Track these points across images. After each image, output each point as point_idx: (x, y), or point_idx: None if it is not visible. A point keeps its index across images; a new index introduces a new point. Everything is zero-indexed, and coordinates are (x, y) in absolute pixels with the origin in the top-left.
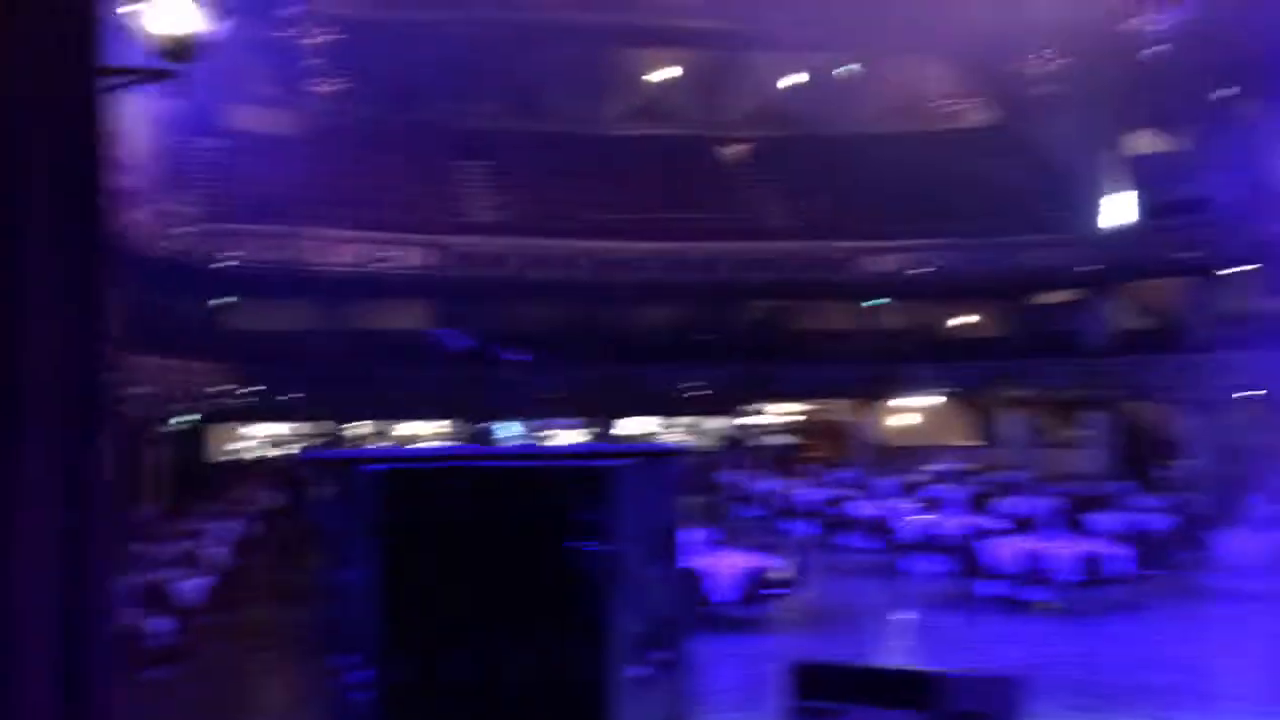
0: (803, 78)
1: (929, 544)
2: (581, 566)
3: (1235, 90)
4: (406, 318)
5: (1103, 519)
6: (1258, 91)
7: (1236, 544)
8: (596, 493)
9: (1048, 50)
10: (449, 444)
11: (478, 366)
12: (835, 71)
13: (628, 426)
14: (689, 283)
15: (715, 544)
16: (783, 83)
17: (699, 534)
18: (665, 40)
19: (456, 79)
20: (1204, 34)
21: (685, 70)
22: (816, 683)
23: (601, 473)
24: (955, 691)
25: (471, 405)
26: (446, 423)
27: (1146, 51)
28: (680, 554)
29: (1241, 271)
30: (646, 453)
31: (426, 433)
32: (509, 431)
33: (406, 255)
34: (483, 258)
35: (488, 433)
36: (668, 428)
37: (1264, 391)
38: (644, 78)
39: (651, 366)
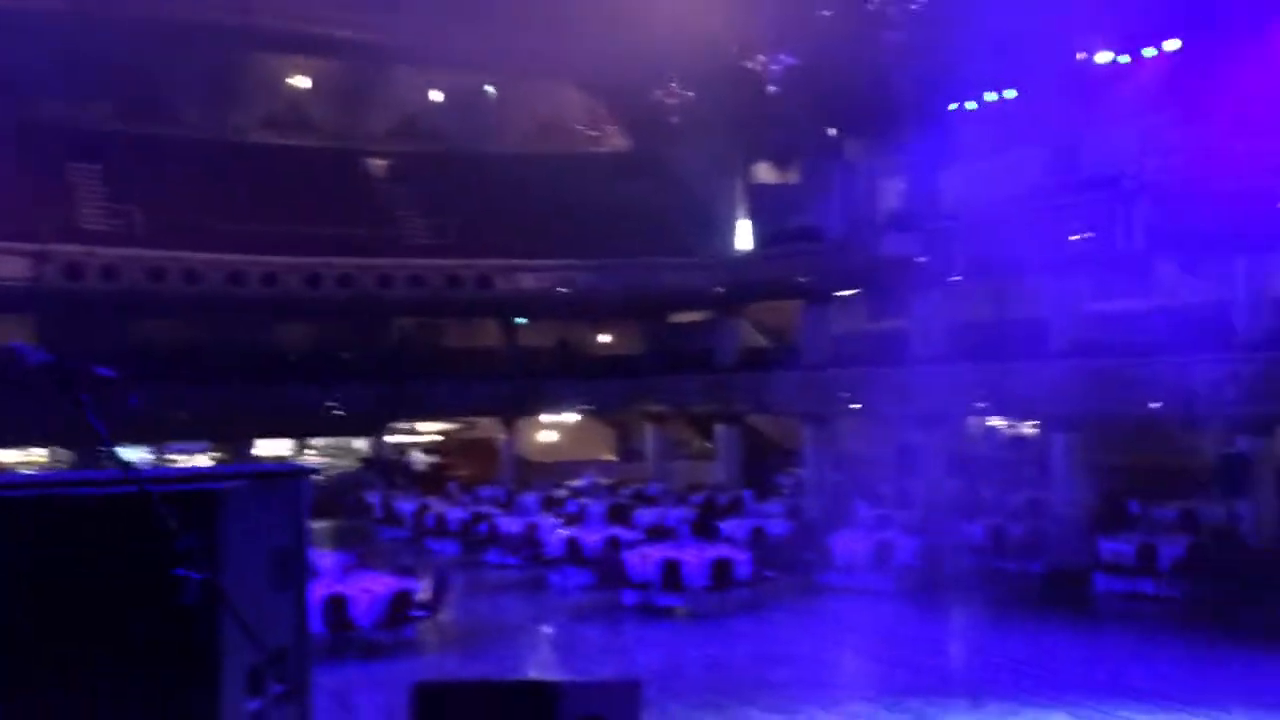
0: (446, 95)
1: (572, 557)
2: (185, 597)
3: (837, 131)
4: (2, 334)
5: (731, 526)
6: (858, 132)
7: (846, 544)
8: (201, 518)
9: (677, 82)
10: (37, 472)
11: (93, 389)
12: (482, 89)
13: (266, 448)
14: (329, 298)
15: (357, 567)
16: (425, 99)
17: (339, 557)
18: (305, 48)
19: (68, 75)
20: (812, 77)
21: (326, 80)
22: (436, 703)
23: (206, 496)
24: (574, 700)
25: (80, 431)
26: (46, 451)
27: (766, 89)
28: (307, 579)
29: (849, 295)
30: (262, 474)
31: (23, 461)
32: (129, 459)
33: (4, 265)
34: (95, 269)
35: (100, 460)
36: (309, 449)
37: (865, 405)
38: (283, 85)
39: (291, 386)
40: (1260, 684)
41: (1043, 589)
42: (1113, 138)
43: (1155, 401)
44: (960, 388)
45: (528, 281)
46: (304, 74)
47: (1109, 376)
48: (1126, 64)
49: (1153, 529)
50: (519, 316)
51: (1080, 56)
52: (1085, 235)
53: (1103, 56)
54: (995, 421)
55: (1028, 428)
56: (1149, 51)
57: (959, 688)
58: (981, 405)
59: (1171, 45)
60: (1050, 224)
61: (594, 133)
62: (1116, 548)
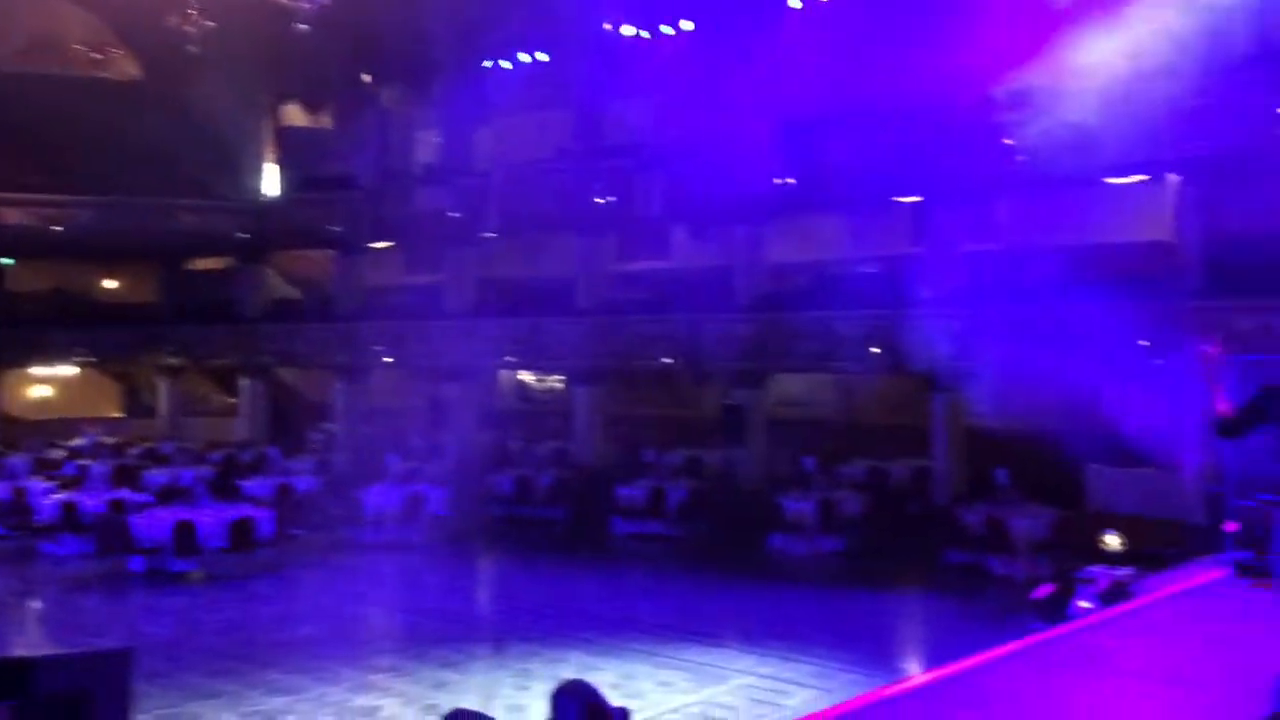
0: None
1: (69, 523)
2: None
3: (373, 78)
4: None
5: (255, 484)
6: (395, 81)
7: (376, 498)
8: None
9: (196, 9)
10: None
11: None
12: None
13: None
14: None
15: None
16: None
17: None
18: None
19: None
20: (347, 19)
21: None
22: None
23: None
24: (49, 674)
25: None
26: None
27: (296, 27)
28: None
29: (383, 247)
30: None
31: None
32: None
33: None
34: None
35: None
36: None
37: (398, 358)
38: None
39: None
40: (748, 611)
41: (566, 535)
42: (633, 108)
43: (668, 357)
44: (491, 342)
45: (13, 216)
46: None
47: (628, 333)
48: (647, 39)
49: (662, 475)
50: (3, 256)
51: (607, 27)
52: (609, 199)
53: (627, 29)
54: (524, 376)
55: (555, 381)
56: (667, 29)
57: (484, 633)
58: (511, 360)
59: (687, 26)
60: (576, 186)
61: (98, 56)
62: (630, 493)
